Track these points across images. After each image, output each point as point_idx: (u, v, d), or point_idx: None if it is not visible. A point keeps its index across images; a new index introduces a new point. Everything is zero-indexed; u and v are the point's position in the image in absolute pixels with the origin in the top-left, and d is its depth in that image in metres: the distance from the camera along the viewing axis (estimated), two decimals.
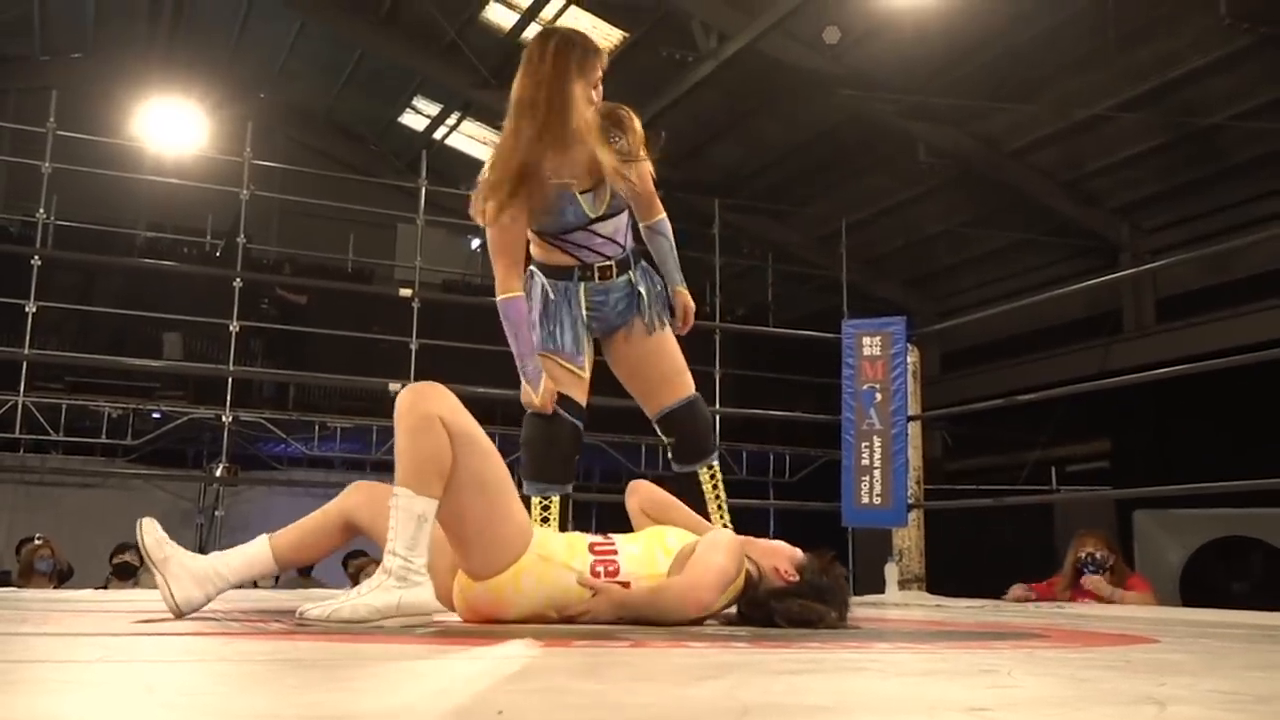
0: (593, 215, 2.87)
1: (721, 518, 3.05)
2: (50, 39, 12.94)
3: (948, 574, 5.43)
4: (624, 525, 2.64)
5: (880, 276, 13.25)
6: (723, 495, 3.08)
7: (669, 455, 3.16)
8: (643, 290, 2.98)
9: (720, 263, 11.53)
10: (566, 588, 2.27)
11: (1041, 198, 10.76)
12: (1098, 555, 4.86)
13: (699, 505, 2.95)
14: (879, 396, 5.03)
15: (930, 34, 8.63)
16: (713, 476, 3.08)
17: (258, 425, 10.34)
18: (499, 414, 6.91)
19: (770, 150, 11.69)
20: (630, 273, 2.97)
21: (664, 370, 3.04)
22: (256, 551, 2.30)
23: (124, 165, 10.64)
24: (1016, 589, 5.02)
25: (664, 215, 3.09)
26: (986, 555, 8.21)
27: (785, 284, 13.25)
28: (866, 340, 5.11)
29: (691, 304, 3.12)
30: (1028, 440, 10.88)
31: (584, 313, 2.93)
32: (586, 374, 2.96)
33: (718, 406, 10.98)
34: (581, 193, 2.85)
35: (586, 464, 11.72)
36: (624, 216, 2.97)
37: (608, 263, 2.94)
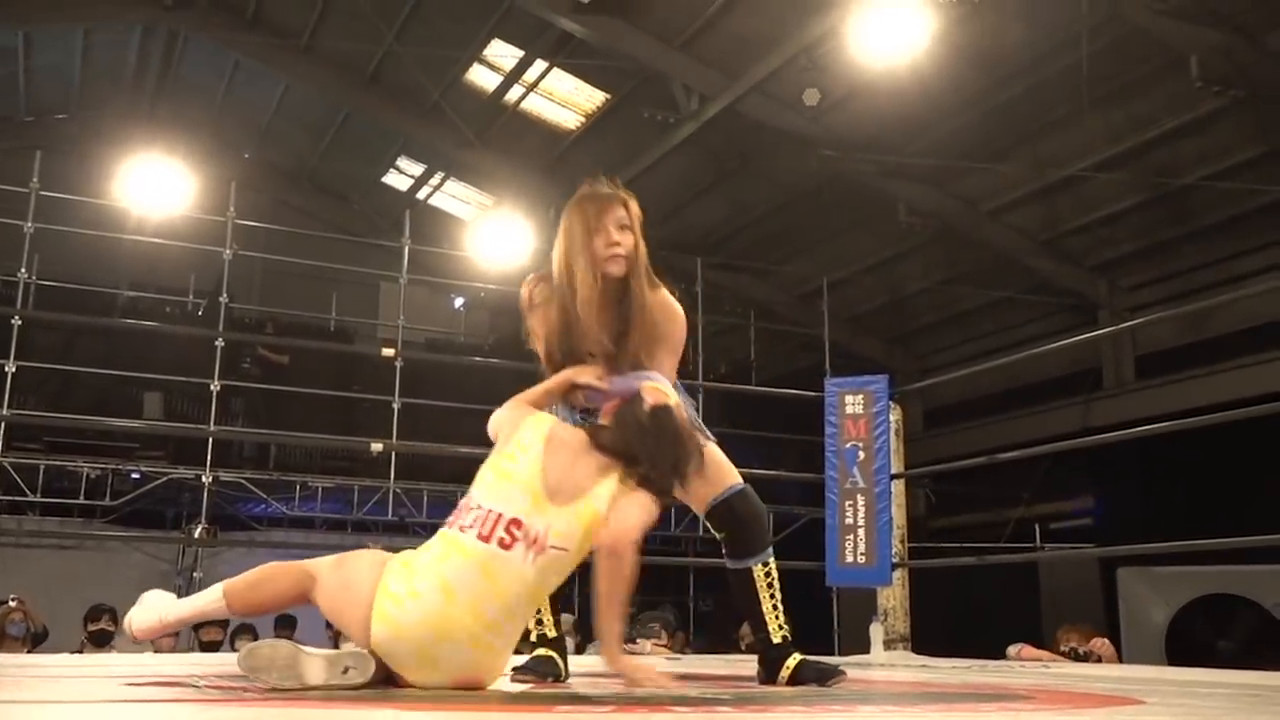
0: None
1: (777, 620, 2.80)
2: (35, 99, 13.00)
3: (933, 633, 5.41)
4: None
5: (862, 334, 13.32)
6: (779, 597, 2.83)
7: (723, 552, 2.90)
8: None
9: (702, 321, 11.57)
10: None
11: (1021, 256, 10.87)
12: (1080, 650, 4.88)
13: (752, 605, 2.82)
14: (862, 455, 5.03)
15: (908, 96, 8.76)
16: (767, 575, 2.83)
17: (238, 485, 10.25)
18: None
19: (752, 209, 11.80)
20: None
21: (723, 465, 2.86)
22: (210, 594, 2.31)
23: (107, 225, 10.64)
24: (1027, 649, 5.00)
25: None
26: (972, 613, 8.19)
27: (767, 342, 13.30)
28: (849, 398, 5.13)
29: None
30: (1011, 497, 10.90)
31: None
32: None
33: None
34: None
35: None
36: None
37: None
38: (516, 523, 2.17)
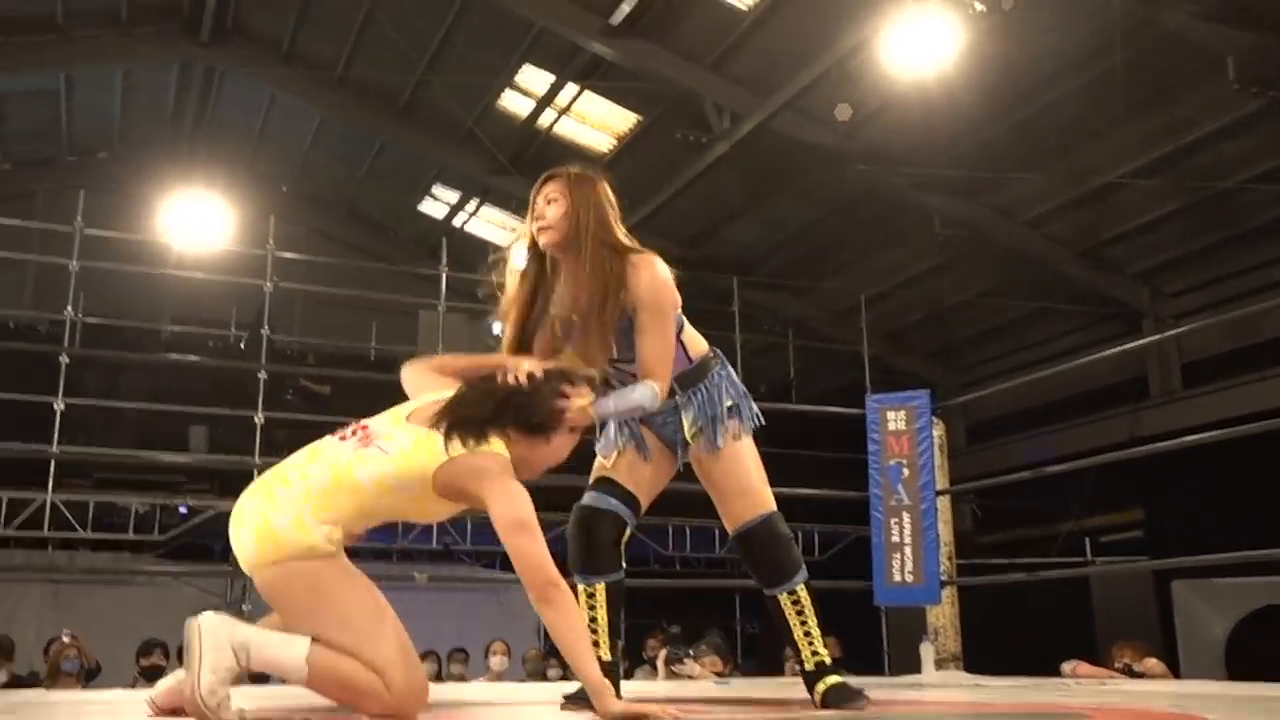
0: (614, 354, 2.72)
1: (810, 646, 2.76)
2: (77, 140, 13.24)
3: (985, 651, 5.33)
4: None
5: (902, 349, 13.22)
6: (811, 624, 2.77)
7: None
8: (686, 414, 2.78)
9: (740, 340, 11.53)
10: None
11: (1060, 266, 10.76)
12: (1134, 666, 4.79)
13: (785, 632, 2.81)
14: (906, 471, 4.98)
15: (940, 108, 8.71)
16: (795, 603, 2.78)
17: None
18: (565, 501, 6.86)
19: (787, 227, 11.77)
20: (677, 396, 2.78)
21: (729, 487, 2.83)
22: (291, 651, 2.20)
23: (150, 261, 10.78)
24: (1083, 666, 4.92)
25: (650, 385, 2.64)
26: (1024, 630, 8.07)
27: (806, 360, 13.23)
28: (891, 415, 5.08)
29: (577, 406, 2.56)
30: (1059, 511, 10.74)
31: (636, 429, 2.85)
32: (610, 463, 2.86)
33: None
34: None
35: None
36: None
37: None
38: (364, 426, 2.37)
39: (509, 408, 2.35)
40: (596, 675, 2.24)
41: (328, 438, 2.38)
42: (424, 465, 2.27)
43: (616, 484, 2.82)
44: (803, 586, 2.79)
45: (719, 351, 2.88)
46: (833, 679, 2.73)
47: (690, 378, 2.79)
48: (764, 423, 2.93)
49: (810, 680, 2.76)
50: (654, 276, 2.59)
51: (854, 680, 2.88)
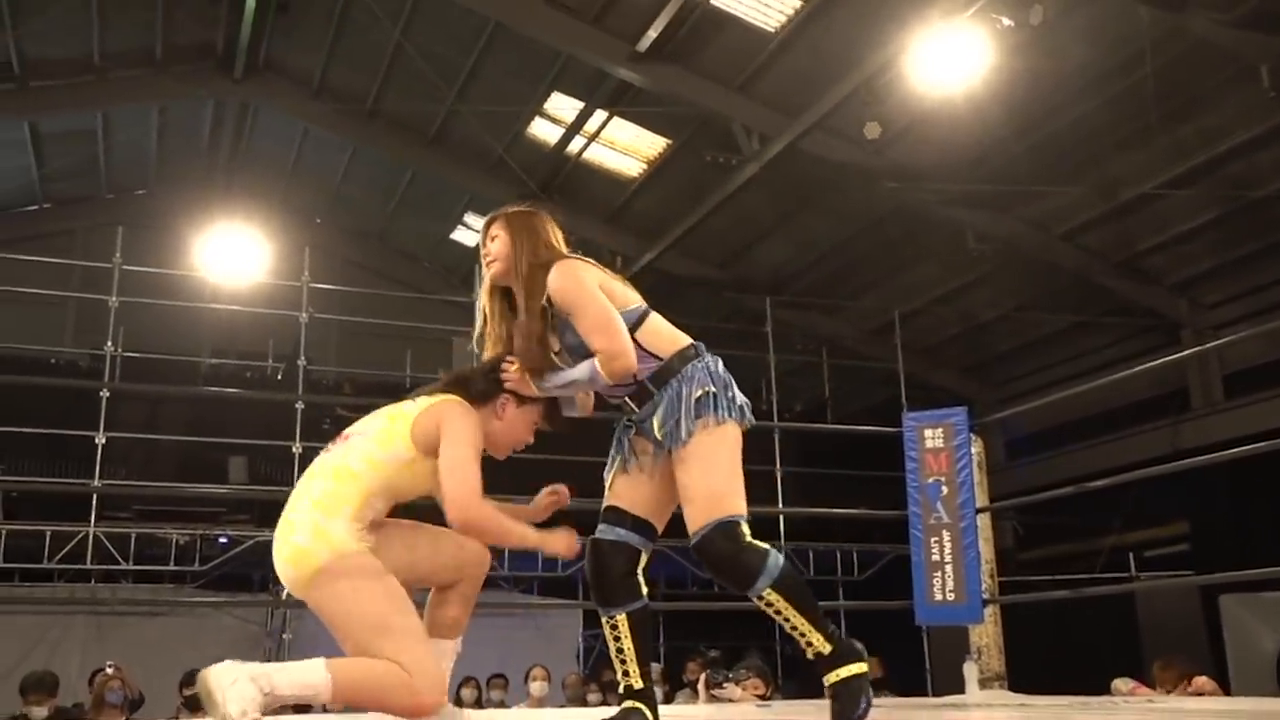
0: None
1: (804, 639, 2.70)
2: (115, 177, 13.45)
3: (1030, 670, 5.26)
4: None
5: (937, 365, 13.14)
6: (796, 619, 2.70)
7: None
8: (657, 412, 2.76)
9: (774, 360, 11.51)
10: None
11: (1096, 278, 10.67)
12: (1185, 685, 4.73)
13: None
14: (945, 489, 4.94)
15: (969, 123, 8.69)
16: (769, 605, 2.70)
17: None
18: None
19: (818, 245, 11.75)
20: (654, 395, 2.77)
21: (688, 486, 2.72)
22: (311, 675, 2.33)
23: (187, 295, 10.94)
24: (1121, 684, 4.86)
25: (590, 363, 2.73)
26: (1070, 648, 7.96)
27: (841, 378, 13.19)
28: (928, 433, 5.04)
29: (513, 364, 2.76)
30: (1102, 526, 10.61)
31: (627, 441, 2.86)
32: (609, 483, 2.85)
33: (780, 506, 10.88)
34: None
35: (650, 572, 11.56)
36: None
37: (621, 399, 2.84)
38: (343, 434, 2.63)
39: (455, 381, 2.71)
40: (521, 533, 2.60)
41: (318, 457, 2.62)
42: (399, 430, 2.54)
43: (623, 512, 2.81)
44: (771, 589, 2.66)
45: (701, 346, 2.82)
46: (843, 671, 2.67)
47: (663, 374, 2.76)
48: (750, 418, 2.80)
49: (820, 672, 2.71)
50: (559, 274, 2.74)
51: (890, 701, 2.83)
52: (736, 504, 2.69)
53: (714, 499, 2.68)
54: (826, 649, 2.67)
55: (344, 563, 2.40)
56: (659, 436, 2.73)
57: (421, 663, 2.37)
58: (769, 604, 2.69)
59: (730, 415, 2.73)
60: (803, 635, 2.70)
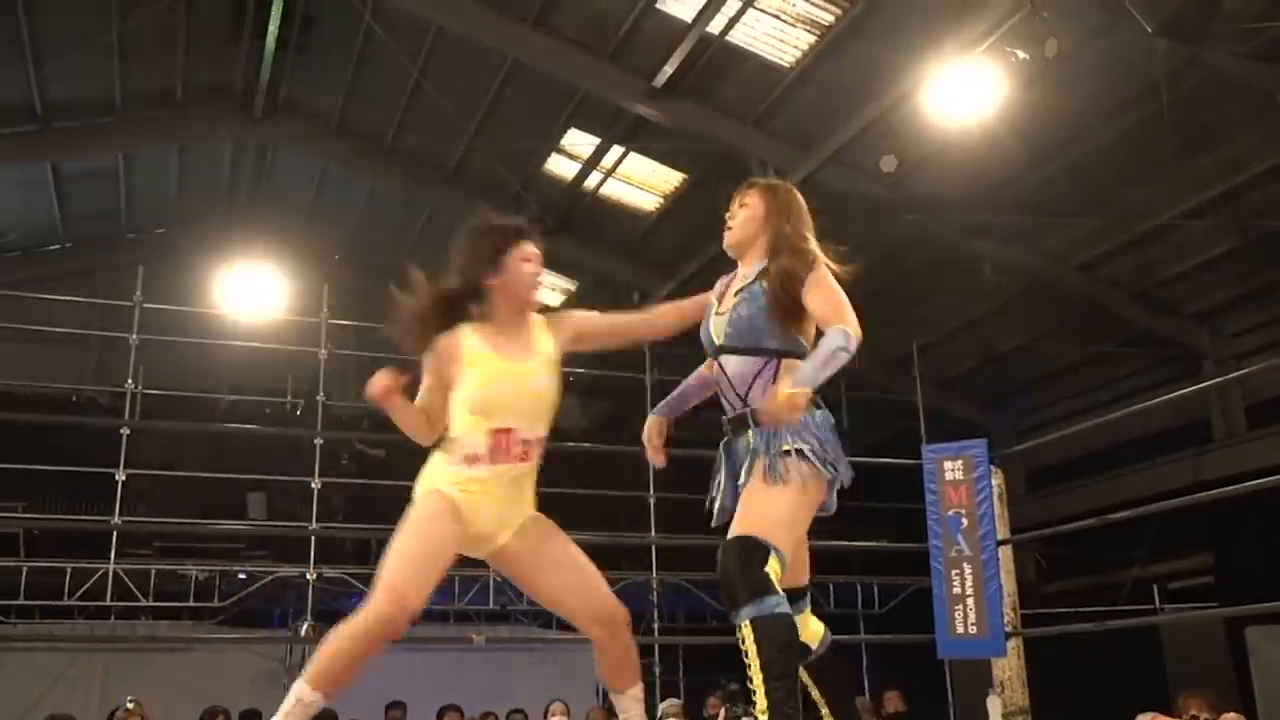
0: (718, 341, 2.89)
1: (754, 693, 2.56)
2: (135, 217, 13.57)
3: (1054, 704, 5.20)
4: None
5: (956, 397, 13.08)
6: (754, 669, 2.54)
7: None
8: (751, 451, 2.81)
9: None
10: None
11: (1116, 309, 10.62)
12: (1201, 717, 4.65)
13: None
14: (965, 522, 4.91)
15: (985, 155, 8.69)
16: (741, 641, 2.58)
17: (341, 581, 10.36)
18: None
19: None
20: (749, 433, 2.82)
21: (744, 495, 2.79)
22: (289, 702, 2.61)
23: (207, 332, 11.01)
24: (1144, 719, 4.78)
25: (838, 329, 2.80)
26: (1093, 682, 7.86)
27: (859, 409, 13.14)
28: (948, 465, 5.02)
29: (782, 394, 2.63)
30: (1125, 558, 10.51)
31: (722, 469, 2.90)
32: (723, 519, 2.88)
33: None
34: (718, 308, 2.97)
35: (670, 606, 11.53)
36: (754, 363, 2.83)
37: (730, 414, 2.88)
38: None
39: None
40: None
41: None
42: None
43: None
44: (747, 624, 2.57)
45: (820, 398, 2.85)
46: None
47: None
48: (840, 477, 2.84)
49: None
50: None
51: None
52: (780, 537, 2.69)
53: (764, 519, 2.70)
54: (761, 716, 2.54)
55: (424, 496, 3.04)
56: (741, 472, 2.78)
57: (396, 579, 2.84)
58: (741, 638, 2.60)
59: (824, 468, 2.80)
60: (754, 689, 2.58)
